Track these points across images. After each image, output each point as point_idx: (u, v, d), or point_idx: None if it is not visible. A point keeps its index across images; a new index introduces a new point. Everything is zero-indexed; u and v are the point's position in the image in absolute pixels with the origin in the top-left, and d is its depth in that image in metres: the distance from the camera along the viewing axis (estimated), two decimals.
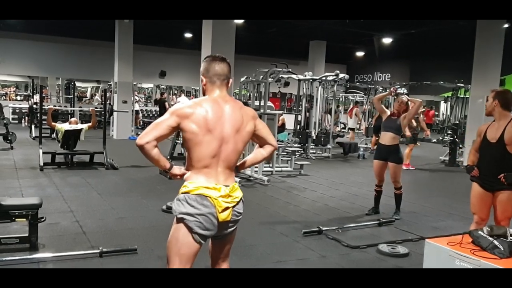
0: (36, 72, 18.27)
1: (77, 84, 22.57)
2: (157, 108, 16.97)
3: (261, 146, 2.55)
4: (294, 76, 10.99)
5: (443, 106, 23.51)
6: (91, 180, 7.22)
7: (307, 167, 9.08)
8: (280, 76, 11.09)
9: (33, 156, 8.89)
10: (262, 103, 8.99)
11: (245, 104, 8.44)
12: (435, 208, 6.35)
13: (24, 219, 3.95)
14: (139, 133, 14.13)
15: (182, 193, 2.31)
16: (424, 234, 4.78)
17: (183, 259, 2.29)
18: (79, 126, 8.34)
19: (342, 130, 17.04)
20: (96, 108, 11.64)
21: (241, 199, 2.41)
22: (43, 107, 9.15)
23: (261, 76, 9.21)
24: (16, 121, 16.92)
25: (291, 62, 16.08)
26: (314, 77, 11.65)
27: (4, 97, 22.35)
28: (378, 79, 22.52)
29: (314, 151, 11.58)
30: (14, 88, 23.41)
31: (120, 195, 6.34)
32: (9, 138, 10.27)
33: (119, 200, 6.02)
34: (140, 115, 18.09)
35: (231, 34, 8.12)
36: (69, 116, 13.21)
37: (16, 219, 3.93)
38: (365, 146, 12.80)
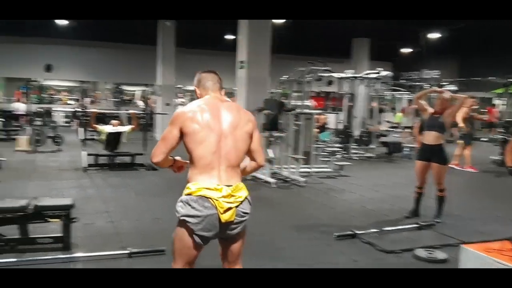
0: (86, 77, 18.98)
1: (125, 87, 23.33)
2: None
3: (251, 159, 2.55)
4: (334, 74, 10.75)
5: (496, 103, 22.37)
6: (130, 180, 7.37)
7: (348, 167, 8.86)
8: (320, 75, 10.93)
9: (78, 158, 9.15)
10: (300, 103, 8.84)
11: (282, 104, 8.40)
12: (481, 211, 6.01)
13: (57, 220, 4.05)
14: None
15: (185, 194, 2.34)
16: (466, 238, 4.49)
17: (185, 259, 2.37)
18: (120, 128, 8.55)
19: (389, 129, 16.54)
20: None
21: (246, 198, 2.38)
22: (89, 110, 9.46)
23: (298, 76, 9.07)
24: (68, 124, 17.62)
25: (335, 60, 15.80)
26: (355, 75, 11.36)
27: (59, 101, 23.31)
28: (426, 76, 21.72)
29: (357, 151, 11.29)
30: (66, 93, 24.34)
31: (157, 195, 6.42)
32: (57, 140, 10.68)
33: (156, 201, 6.10)
34: None
35: (267, 33, 8.05)
36: (116, 119, 13.58)
37: (49, 220, 4.04)
38: (411, 145, 12.34)
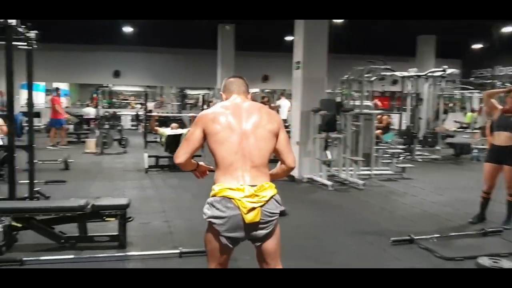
0: (152, 82, 19.68)
1: (189, 91, 23.96)
2: None
3: (280, 161, 2.51)
4: (397, 73, 10.37)
5: None
6: (188, 182, 7.48)
7: (411, 170, 8.47)
8: (383, 74, 10.59)
9: (141, 160, 9.46)
10: (360, 102, 8.59)
11: (339, 105, 8.20)
12: None
13: (113, 219, 4.19)
14: None
15: (211, 196, 2.34)
16: None
17: (217, 260, 2.36)
18: (180, 131, 8.75)
19: (458, 129, 15.72)
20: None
21: (272, 198, 2.31)
22: (151, 114, 9.80)
23: (358, 75, 8.83)
24: (135, 128, 18.36)
25: (399, 59, 15.29)
26: (419, 74, 10.88)
27: (127, 106, 24.37)
28: (499, 73, 20.40)
29: (421, 153, 10.79)
30: (134, 98, 25.43)
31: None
32: (123, 142, 11.15)
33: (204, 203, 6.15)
34: None
35: (324, 33, 7.89)
36: (176, 122, 13.97)
37: (106, 219, 4.18)
38: (481, 146, 11.61)
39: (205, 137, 2.36)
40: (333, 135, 7.75)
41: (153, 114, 9.55)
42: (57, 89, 12.69)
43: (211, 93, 17.27)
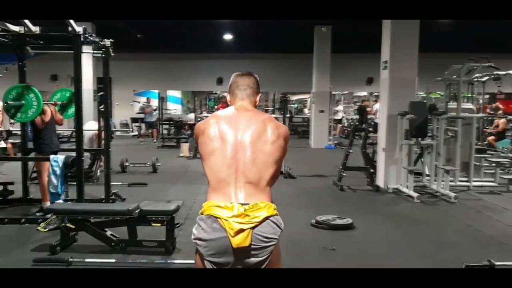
0: None
1: (294, 97, 23.89)
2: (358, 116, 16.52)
3: None
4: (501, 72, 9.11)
5: None
6: None
7: None
8: (495, 73, 9.42)
9: None
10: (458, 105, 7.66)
11: (432, 108, 7.38)
12: None
13: (159, 224, 4.14)
14: (336, 142, 13.97)
15: (199, 213, 2.02)
16: None
17: None
18: None
19: None
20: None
21: (267, 219, 1.94)
22: None
23: (455, 75, 7.88)
24: None
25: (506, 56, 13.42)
26: None
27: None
28: None
29: None
30: None
31: (279, 204, 6.07)
32: None
33: (281, 211, 5.88)
34: (344, 123, 17.94)
35: (414, 30, 7.18)
36: None
37: (153, 224, 4.15)
38: None
39: None
40: (424, 141, 7.00)
41: None
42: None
43: (311, 98, 16.91)
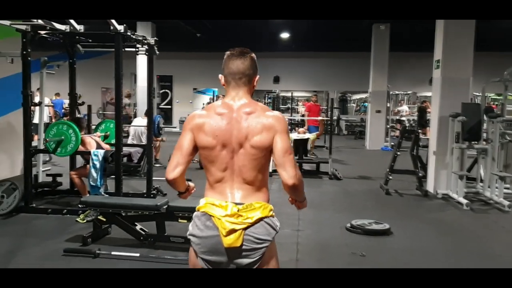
0: (307, 86, 19.72)
1: (354, 96, 23.38)
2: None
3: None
4: None
5: None
6: (305, 188, 7.17)
7: None
8: None
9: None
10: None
11: (488, 110, 6.88)
12: None
13: (186, 221, 4.18)
14: (393, 144, 13.47)
15: (196, 209, 2.01)
16: None
17: None
18: (306, 135, 8.51)
19: None
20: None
21: (261, 220, 1.89)
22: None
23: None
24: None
25: None
26: None
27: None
28: None
29: None
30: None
31: (316, 206, 6.04)
32: None
33: (312, 212, 5.74)
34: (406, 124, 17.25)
35: (469, 28, 6.75)
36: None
37: (180, 220, 4.19)
38: None
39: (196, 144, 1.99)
40: (477, 145, 6.56)
41: None
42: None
43: (367, 97, 16.47)
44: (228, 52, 2.03)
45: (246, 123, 1.93)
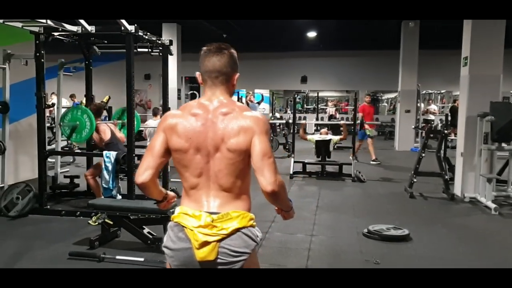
0: (336, 86, 19.38)
1: (387, 95, 22.87)
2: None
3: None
4: None
5: None
6: (325, 191, 7.00)
7: None
8: None
9: (295, 164, 9.19)
10: None
11: None
12: None
13: None
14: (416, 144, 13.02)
15: (171, 219, 1.86)
16: None
17: None
18: (328, 137, 8.30)
19: None
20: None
21: (238, 231, 1.73)
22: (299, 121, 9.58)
23: None
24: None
25: None
26: None
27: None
28: None
29: None
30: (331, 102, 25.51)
31: (336, 210, 5.85)
32: (287, 147, 11.18)
33: (329, 216, 5.57)
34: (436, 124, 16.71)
35: (498, 24, 6.39)
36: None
37: None
38: None
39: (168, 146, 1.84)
40: (508, 146, 6.19)
41: (302, 122, 9.21)
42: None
43: (396, 97, 16.03)
44: (204, 48, 1.86)
45: (222, 125, 1.77)
